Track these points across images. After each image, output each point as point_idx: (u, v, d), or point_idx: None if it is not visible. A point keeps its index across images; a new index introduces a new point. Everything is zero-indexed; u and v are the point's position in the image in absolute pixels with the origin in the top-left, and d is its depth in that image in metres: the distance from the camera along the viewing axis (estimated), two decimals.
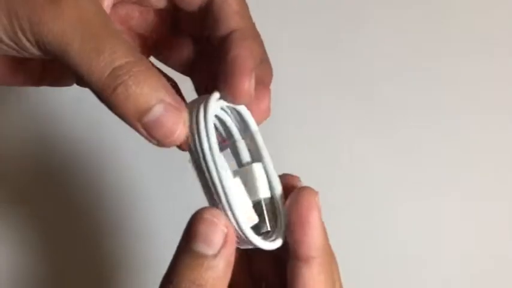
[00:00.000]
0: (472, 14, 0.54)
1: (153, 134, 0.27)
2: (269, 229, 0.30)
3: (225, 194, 0.28)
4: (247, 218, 0.29)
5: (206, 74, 0.32)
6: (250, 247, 0.30)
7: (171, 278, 0.28)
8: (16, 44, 0.27)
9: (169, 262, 0.29)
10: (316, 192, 0.29)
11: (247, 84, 0.28)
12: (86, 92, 0.28)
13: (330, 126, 0.56)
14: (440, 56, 0.54)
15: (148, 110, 0.27)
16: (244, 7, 0.30)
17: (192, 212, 0.29)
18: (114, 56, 0.26)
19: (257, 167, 0.30)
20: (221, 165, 0.28)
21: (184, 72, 0.34)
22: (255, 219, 0.30)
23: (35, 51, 0.27)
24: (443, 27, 0.54)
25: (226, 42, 0.29)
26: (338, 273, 0.32)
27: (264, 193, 0.30)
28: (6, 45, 0.27)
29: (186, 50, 0.33)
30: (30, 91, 0.58)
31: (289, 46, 0.55)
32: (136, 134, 0.28)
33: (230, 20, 0.30)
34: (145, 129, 0.27)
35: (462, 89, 0.54)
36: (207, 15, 0.30)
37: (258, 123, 0.30)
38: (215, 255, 0.27)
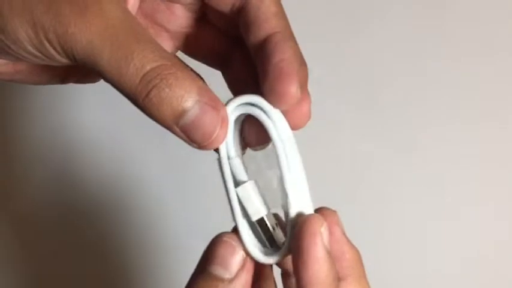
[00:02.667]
0: (473, 17, 0.54)
1: (191, 137, 0.27)
2: (267, 246, 0.29)
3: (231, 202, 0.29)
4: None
5: (239, 68, 0.32)
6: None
7: None
8: (43, 53, 0.26)
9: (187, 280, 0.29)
10: (323, 222, 0.28)
11: (294, 88, 0.27)
12: None
13: (330, 127, 0.56)
14: (441, 58, 0.54)
15: (184, 112, 0.26)
16: (281, 7, 0.30)
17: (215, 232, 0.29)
18: (144, 61, 0.26)
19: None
20: (228, 174, 0.28)
21: (214, 66, 0.33)
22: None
23: (62, 60, 0.27)
24: (444, 29, 0.55)
25: (267, 44, 0.28)
26: None
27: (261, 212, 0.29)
28: (32, 55, 0.27)
29: (216, 44, 0.32)
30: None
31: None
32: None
33: (270, 22, 0.29)
34: (183, 132, 0.27)
35: (463, 89, 0.55)
36: (241, 15, 0.30)
37: (299, 127, 0.29)
38: (231, 280, 0.27)
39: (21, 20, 0.25)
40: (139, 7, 0.31)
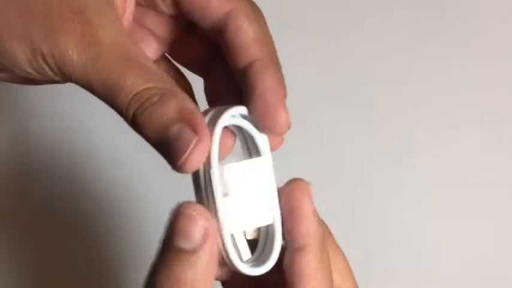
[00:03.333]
0: (473, 17, 0.54)
1: (169, 158, 0.27)
2: (249, 257, 0.30)
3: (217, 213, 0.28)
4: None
5: (219, 78, 0.32)
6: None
7: (151, 278, 0.28)
8: (40, 73, 0.28)
9: None
10: (308, 183, 0.29)
11: (284, 115, 0.28)
12: None
13: (330, 127, 0.56)
14: (440, 59, 0.55)
15: (164, 130, 0.27)
16: (261, 30, 0.30)
17: None
18: (132, 87, 0.27)
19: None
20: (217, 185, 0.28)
21: (196, 72, 0.34)
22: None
23: (59, 79, 0.28)
24: (444, 30, 0.55)
25: (249, 73, 0.29)
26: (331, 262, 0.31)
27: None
28: (29, 73, 0.28)
29: (200, 51, 0.33)
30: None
31: (289, 47, 0.55)
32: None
33: (249, 50, 0.29)
34: (162, 152, 0.27)
35: (463, 90, 0.55)
36: (221, 37, 0.30)
37: (279, 135, 0.30)
38: (195, 251, 0.27)
39: (20, 45, 0.27)
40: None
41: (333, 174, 0.57)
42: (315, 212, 0.29)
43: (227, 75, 0.31)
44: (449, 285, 0.56)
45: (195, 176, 0.29)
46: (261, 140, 0.29)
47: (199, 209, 0.27)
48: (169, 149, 0.27)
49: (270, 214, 0.29)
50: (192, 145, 0.27)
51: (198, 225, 0.27)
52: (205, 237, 0.27)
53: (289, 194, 0.29)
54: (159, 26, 0.33)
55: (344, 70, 0.56)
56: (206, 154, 0.27)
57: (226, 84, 0.31)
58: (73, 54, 0.27)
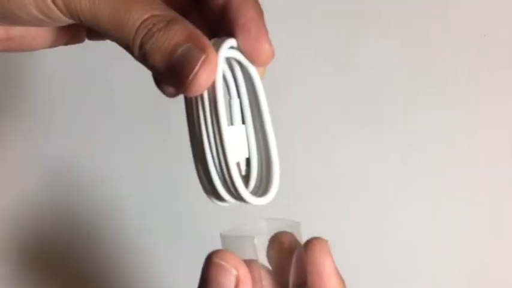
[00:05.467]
0: (473, 18, 0.54)
1: (178, 78, 0.27)
2: (254, 184, 0.31)
3: (222, 141, 0.29)
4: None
5: (194, 21, 0.32)
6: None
7: None
8: (47, 16, 0.28)
9: None
10: (326, 241, 0.31)
11: (267, 45, 0.29)
12: None
13: (330, 127, 0.57)
14: (442, 60, 0.54)
15: (172, 52, 0.27)
16: None
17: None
18: (139, 14, 0.27)
19: (243, 129, 0.31)
20: (223, 110, 0.29)
21: None
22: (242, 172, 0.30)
23: (67, 20, 0.28)
24: (444, 30, 0.54)
25: (229, 8, 0.29)
26: None
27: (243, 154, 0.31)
28: (35, 18, 0.28)
29: (177, 2, 0.33)
30: None
31: (289, 47, 0.56)
32: None
33: None
34: (171, 73, 0.27)
35: (463, 90, 0.54)
36: None
37: (264, 64, 0.30)
38: None
39: None
40: None
41: (333, 174, 0.57)
42: (337, 270, 0.31)
43: (203, 21, 0.31)
44: (449, 285, 0.56)
45: (197, 103, 0.29)
46: (253, 71, 0.30)
47: (228, 255, 0.29)
48: (177, 70, 0.27)
49: (266, 147, 0.30)
50: (200, 62, 0.27)
51: (228, 274, 0.28)
52: (236, 284, 0.28)
53: (312, 253, 0.31)
54: None
55: (348, 71, 0.56)
56: (215, 73, 0.28)
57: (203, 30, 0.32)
58: None
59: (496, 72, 0.53)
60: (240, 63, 0.30)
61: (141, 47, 0.27)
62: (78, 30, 0.34)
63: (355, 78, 0.56)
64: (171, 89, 0.31)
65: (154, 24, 0.27)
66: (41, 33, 0.32)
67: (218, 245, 0.31)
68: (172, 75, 0.27)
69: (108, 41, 0.30)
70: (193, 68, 0.27)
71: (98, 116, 0.63)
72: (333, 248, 0.57)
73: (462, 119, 0.54)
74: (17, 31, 0.31)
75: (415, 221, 0.56)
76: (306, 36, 0.57)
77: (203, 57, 0.27)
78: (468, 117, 0.54)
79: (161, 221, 0.62)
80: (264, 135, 0.31)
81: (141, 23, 0.27)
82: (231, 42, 0.29)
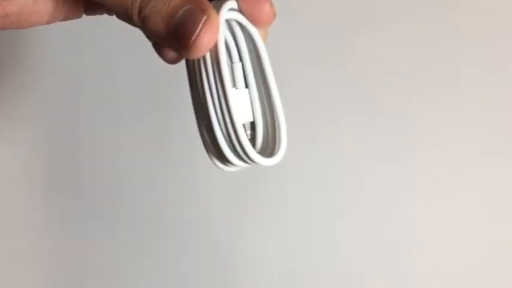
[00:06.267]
0: (473, 18, 0.54)
1: (180, 40, 0.27)
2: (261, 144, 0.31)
3: (227, 103, 0.28)
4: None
5: None
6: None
7: None
8: None
9: None
10: None
11: (268, 5, 0.29)
12: None
13: (331, 127, 0.57)
14: (441, 58, 0.54)
15: (172, 14, 0.27)
16: None
17: None
18: None
19: (246, 93, 0.31)
20: (228, 73, 0.28)
21: None
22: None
23: None
24: (444, 30, 0.55)
25: None
26: None
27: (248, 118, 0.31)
28: None
29: None
30: None
31: (290, 47, 0.56)
32: None
33: None
34: (172, 37, 0.27)
35: (463, 90, 0.54)
36: None
37: (266, 25, 0.30)
38: None
39: None
40: None
41: (333, 174, 0.57)
42: None
43: None
44: (449, 285, 0.56)
45: (200, 66, 0.29)
46: (255, 33, 0.30)
47: None
48: (178, 32, 0.27)
49: (272, 109, 0.30)
50: (202, 23, 0.27)
51: None
52: None
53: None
54: None
55: (344, 71, 0.56)
56: (217, 34, 0.28)
57: None
58: None
59: (496, 72, 0.53)
60: (241, 24, 0.29)
61: (140, 11, 0.27)
62: (76, 2, 0.34)
63: (352, 79, 0.56)
64: (171, 54, 0.30)
65: None
66: (37, 8, 0.32)
67: None
68: (173, 38, 0.27)
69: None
70: (195, 29, 0.27)
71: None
72: (331, 248, 0.58)
73: (462, 119, 0.54)
74: (14, 6, 0.31)
75: (414, 221, 0.56)
76: (306, 36, 0.57)
77: (204, 17, 0.27)
78: (468, 117, 0.54)
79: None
80: (268, 97, 0.30)
81: None
82: (232, 3, 0.29)
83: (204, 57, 0.28)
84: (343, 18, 0.56)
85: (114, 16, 0.30)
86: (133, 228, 0.61)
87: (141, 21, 0.27)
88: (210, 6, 0.27)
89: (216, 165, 0.31)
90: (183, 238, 0.61)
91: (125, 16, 0.28)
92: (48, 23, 0.33)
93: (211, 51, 0.28)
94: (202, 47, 0.27)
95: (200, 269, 0.60)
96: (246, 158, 0.29)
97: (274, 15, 0.29)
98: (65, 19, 0.34)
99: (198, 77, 0.29)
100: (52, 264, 0.63)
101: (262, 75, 0.30)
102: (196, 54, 0.27)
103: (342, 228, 0.57)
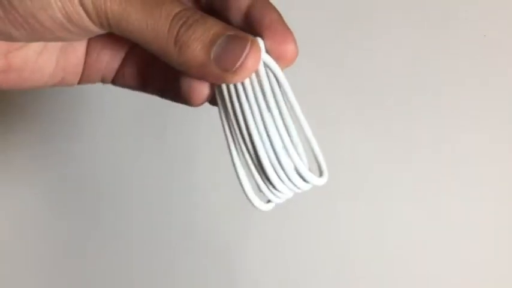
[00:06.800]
0: (474, 18, 0.54)
1: (223, 64, 0.28)
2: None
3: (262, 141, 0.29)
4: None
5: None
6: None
7: None
8: (72, 20, 0.27)
9: None
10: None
11: (293, 45, 0.29)
12: None
13: (331, 127, 0.57)
14: (442, 59, 0.54)
15: (213, 42, 0.28)
16: None
17: None
18: (173, 7, 0.28)
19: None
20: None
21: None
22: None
23: (93, 28, 0.28)
24: (445, 30, 0.54)
25: (253, 11, 0.29)
26: None
27: None
28: (57, 24, 0.27)
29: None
30: None
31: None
32: None
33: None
34: (215, 61, 0.28)
35: (463, 90, 0.54)
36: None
37: (289, 64, 0.30)
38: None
39: None
40: None
41: (333, 174, 0.57)
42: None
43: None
44: (449, 285, 0.56)
45: (239, 91, 0.29)
46: (280, 74, 0.30)
47: None
48: (222, 57, 0.27)
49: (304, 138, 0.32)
50: (248, 46, 0.28)
51: None
52: None
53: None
54: None
55: (344, 73, 0.56)
56: (260, 59, 0.28)
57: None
58: None
59: (496, 73, 0.53)
60: (267, 65, 0.30)
61: (177, 38, 0.27)
62: (76, 66, 0.33)
63: (352, 79, 0.56)
64: (201, 89, 0.30)
65: (188, 17, 0.28)
66: (41, 62, 0.31)
67: None
68: (215, 63, 0.28)
69: None
70: (242, 53, 0.27)
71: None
72: (331, 248, 0.58)
73: (462, 119, 0.54)
74: (18, 59, 0.30)
75: (414, 221, 0.56)
76: (306, 36, 0.56)
77: (249, 43, 0.28)
78: (468, 118, 0.54)
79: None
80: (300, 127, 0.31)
81: (175, 15, 0.27)
82: (261, 42, 0.29)
83: (243, 82, 0.29)
84: (343, 18, 0.56)
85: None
86: (134, 228, 0.61)
87: (177, 49, 0.28)
88: (248, 35, 0.28)
89: (256, 202, 0.32)
90: (183, 238, 0.61)
91: (158, 46, 0.28)
92: (46, 84, 0.32)
93: (251, 76, 0.29)
94: (247, 70, 0.28)
95: (201, 269, 0.60)
96: (298, 181, 0.30)
97: (296, 55, 0.30)
98: (61, 83, 0.33)
99: (238, 101, 0.29)
100: (52, 264, 0.63)
101: (293, 114, 0.31)
102: (241, 78, 0.28)
103: (343, 228, 0.57)
